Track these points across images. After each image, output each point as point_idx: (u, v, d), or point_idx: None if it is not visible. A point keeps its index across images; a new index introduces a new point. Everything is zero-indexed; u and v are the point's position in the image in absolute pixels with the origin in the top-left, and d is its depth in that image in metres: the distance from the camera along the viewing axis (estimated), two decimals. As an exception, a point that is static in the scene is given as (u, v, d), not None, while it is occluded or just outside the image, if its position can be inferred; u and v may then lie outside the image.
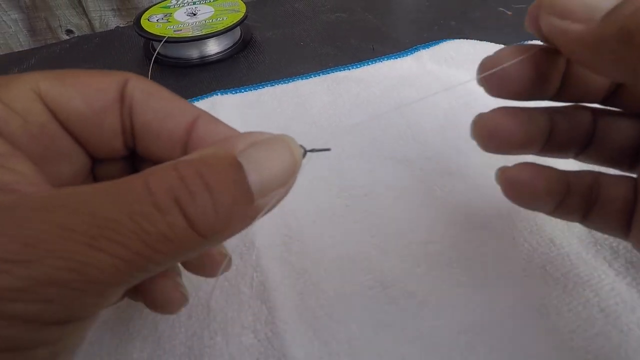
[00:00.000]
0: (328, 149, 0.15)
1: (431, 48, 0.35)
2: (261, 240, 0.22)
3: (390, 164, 0.26)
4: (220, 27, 0.37)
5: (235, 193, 0.10)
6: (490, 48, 0.34)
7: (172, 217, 0.09)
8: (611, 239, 0.21)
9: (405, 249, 0.21)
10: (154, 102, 0.14)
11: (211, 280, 0.21)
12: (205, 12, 0.40)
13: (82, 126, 0.13)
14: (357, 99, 0.31)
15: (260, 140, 0.12)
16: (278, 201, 0.12)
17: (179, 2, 0.41)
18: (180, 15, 0.39)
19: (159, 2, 0.42)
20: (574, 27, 0.11)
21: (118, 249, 0.09)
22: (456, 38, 0.36)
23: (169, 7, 0.41)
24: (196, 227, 0.10)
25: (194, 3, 0.41)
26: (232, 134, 0.14)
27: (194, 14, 0.39)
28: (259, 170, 0.11)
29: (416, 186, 0.25)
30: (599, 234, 0.22)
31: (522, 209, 0.23)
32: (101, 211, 0.09)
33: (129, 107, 0.14)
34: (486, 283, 0.20)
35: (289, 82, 0.33)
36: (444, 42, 0.35)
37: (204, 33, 0.36)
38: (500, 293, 0.20)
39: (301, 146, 0.13)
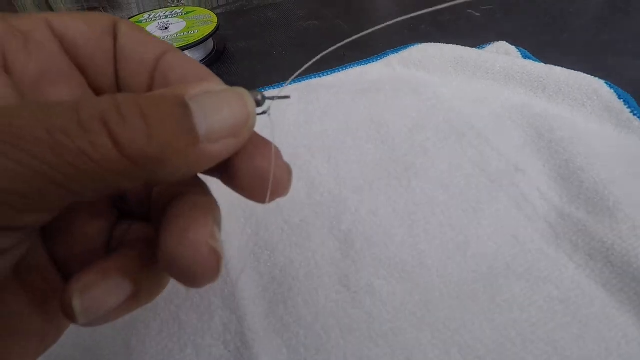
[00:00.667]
0: (288, 97, 0.14)
1: (400, 53, 0.36)
2: (231, 251, 0.22)
3: (358, 168, 0.26)
4: (192, 40, 0.37)
5: (175, 127, 0.10)
6: (456, 50, 0.35)
7: (95, 136, 0.09)
8: (571, 233, 0.22)
9: (370, 252, 0.22)
10: (133, 33, 0.14)
11: (182, 293, 0.21)
12: (177, 25, 0.40)
13: (84, 48, 0.14)
14: (327, 105, 0.32)
15: (214, 90, 0.11)
16: (229, 152, 0.12)
17: (151, 17, 0.41)
18: (152, 29, 0.39)
19: (133, 17, 0.42)
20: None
21: (25, 157, 0.09)
22: (426, 42, 0.37)
23: (140, 22, 0.41)
24: (124, 149, 0.10)
25: (166, 17, 0.41)
26: (200, 72, 0.14)
27: (166, 28, 0.40)
28: (207, 114, 0.11)
29: (383, 189, 0.25)
30: (560, 229, 0.23)
31: (485, 207, 0.24)
32: (18, 121, 0.09)
33: (116, 35, 0.14)
34: (451, 280, 0.21)
35: (261, 91, 0.33)
36: (412, 47, 0.36)
37: (176, 46, 0.36)
38: (465, 290, 0.20)
39: (260, 93, 0.13)
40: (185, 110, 0.10)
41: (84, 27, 0.14)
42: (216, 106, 0.11)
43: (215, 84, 0.12)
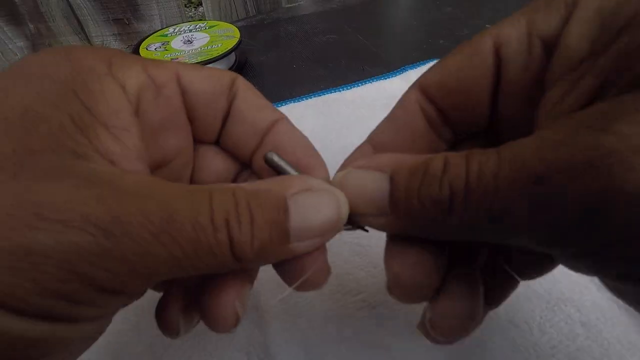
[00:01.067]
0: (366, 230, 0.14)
1: (419, 68, 0.36)
2: (254, 263, 0.23)
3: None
4: (215, 54, 0.38)
5: (272, 232, 0.12)
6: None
7: (221, 235, 0.11)
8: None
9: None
10: (252, 96, 0.16)
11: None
12: (201, 39, 0.41)
13: (202, 104, 0.15)
14: (347, 119, 0.32)
15: (314, 188, 0.13)
16: (313, 249, 0.13)
17: (175, 31, 0.43)
18: (177, 43, 0.41)
19: (158, 31, 0.44)
20: (375, 219, 0.13)
21: (176, 248, 0.11)
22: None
23: (166, 35, 0.42)
24: (235, 250, 0.11)
25: (190, 31, 0.43)
26: (306, 148, 0.16)
27: (190, 42, 0.41)
28: (302, 216, 0.12)
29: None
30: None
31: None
32: (176, 215, 0.11)
33: (234, 93, 0.16)
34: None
35: (281, 105, 0.34)
36: (431, 62, 0.37)
37: (199, 60, 0.38)
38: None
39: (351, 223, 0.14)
40: (282, 213, 0.12)
41: (207, 86, 0.15)
42: (312, 208, 0.12)
43: (317, 178, 0.14)
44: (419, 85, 0.16)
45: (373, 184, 0.13)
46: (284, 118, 0.16)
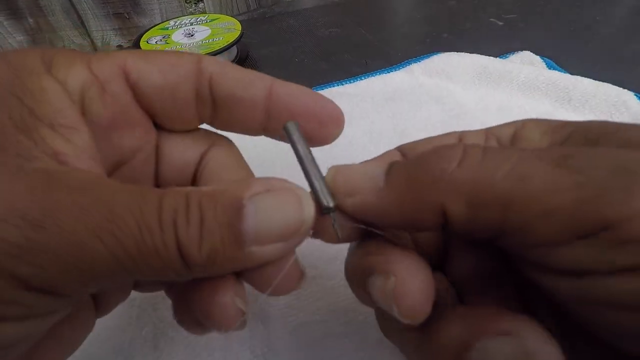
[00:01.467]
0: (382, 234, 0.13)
1: (422, 62, 0.36)
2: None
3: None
4: (216, 47, 0.38)
5: (224, 234, 0.11)
6: (479, 60, 0.35)
7: (167, 237, 0.10)
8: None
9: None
10: (233, 73, 0.15)
11: (209, 298, 0.21)
12: (202, 32, 0.41)
13: (157, 98, 0.14)
14: (350, 113, 0.32)
15: (275, 188, 0.12)
16: (277, 256, 0.12)
17: (177, 24, 0.43)
18: (178, 36, 0.40)
19: (158, 24, 0.43)
20: (361, 198, 0.12)
21: (116, 246, 0.10)
22: (448, 50, 0.37)
23: (167, 28, 0.42)
24: (183, 254, 0.11)
25: (191, 24, 0.42)
26: (305, 100, 0.15)
27: (192, 35, 0.41)
28: (260, 218, 0.11)
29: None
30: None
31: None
32: (118, 210, 0.10)
33: (207, 79, 0.14)
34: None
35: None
36: (435, 56, 0.36)
37: (201, 53, 0.37)
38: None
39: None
40: (236, 214, 0.11)
41: (159, 78, 0.14)
42: (270, 210, 0.11)
43: (281, 179, 0.13)
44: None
45: (368, 166, 0.13)
46: (275, 80, 0.15)
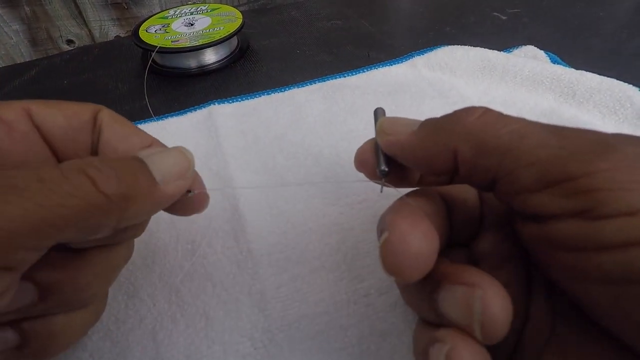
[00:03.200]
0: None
1: (425, 55, 0.36)
2: (259, 249, 0.22)
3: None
4: (217, 37, 0.37)
5: (137, 173, 0.14)
6: (483, 53, 0.35)
7: (77, 180, 0.12)
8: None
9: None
10: (118, 126, 0.17)
11: (209, 289, 0.21)
12: (202, 22, 0.40)
13: (61, 140, 0.16)
14: (352, 106, 0.32)
15: (160, 149, 0.16)
16: (181, 190, 0.16)
17: (176, 13, 0.42)
18: (177, 25, 0.40)
19: (158, 13, 0.42)
20: (396, 137, 0.16)
21: (24, 202, 0.11)
22: (451, 44, 0.37)
23: (166, 17, 0.41)
24: (100, 187, 0.12)
25: (192, 14, 0.42)
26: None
27: (192, 24, 0.40)
28: (158, 165, 0.15)
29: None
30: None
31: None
32: (14, 177, 0.11)
33: (98, 128, 0.17)
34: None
35: (285, 90, 0.34)
36: (438, 49, 0.36)
37: (200, 43, 0.37)
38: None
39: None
40: (142, 163, 0.14)
41: (61, 121, 0.16)
42: (164, 159, 0.15)
43: (160, 146, 0.17)
44: None
45: (410, 119, 0.16)
46: (154, 141, 0.17)
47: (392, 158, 0.16)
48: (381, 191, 0.17)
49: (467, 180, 0.14)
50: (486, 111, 0.14)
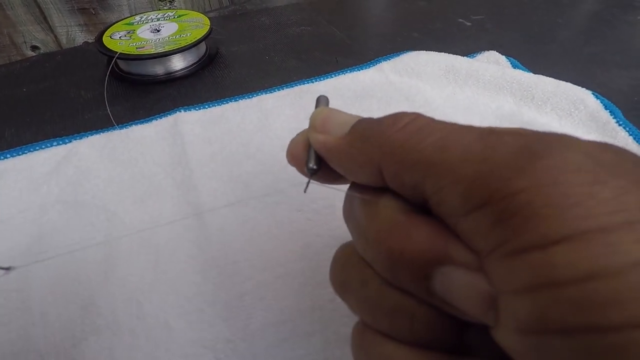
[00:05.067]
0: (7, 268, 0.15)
1: (392, 60, 0.36)
2: (223, 257, 0.22)
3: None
4: (183, 43, 0.37)
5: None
6: (447, 58, 0.35)
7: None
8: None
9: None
10: None
11: (171, 300, 0.21)
12: (169, 28, 0.40)
13: None
14: (320, 111, 0.32)
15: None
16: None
17: (142, 19, 0.41)
18: (143, 32, 0.39)
19: (123, 19, 0.42)
20: (324, 137, 0.14)
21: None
22: (418, 49, 0.38)
23: (132, 23, 0.40)
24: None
25: (158, 20, 0.41)
26: None
27: (158, 31, 0.39)
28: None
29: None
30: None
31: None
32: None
33: None
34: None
35: (253, 96, 0.33)
36: (404, 54, 0.37)
37: (166, 49, 0.36)
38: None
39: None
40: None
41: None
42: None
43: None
44: None
45: (342, 116, 0.15)
46: None
47: None
48: (305, 191, 0.15)
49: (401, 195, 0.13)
50: (414, 119, 0.12)
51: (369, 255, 0.12)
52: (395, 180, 0.12)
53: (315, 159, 0.15)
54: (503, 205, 0.09)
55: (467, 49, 0.39)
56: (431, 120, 0.12)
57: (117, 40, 0.38)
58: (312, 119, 0.15)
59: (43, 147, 0.29)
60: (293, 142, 0.16)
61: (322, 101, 0.17)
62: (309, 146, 0.15)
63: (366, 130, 0.13)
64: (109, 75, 0.38)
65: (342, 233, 0.23)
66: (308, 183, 0.15)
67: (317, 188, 0.26)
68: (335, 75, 0.35)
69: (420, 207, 0.12)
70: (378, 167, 0.12)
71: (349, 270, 0.13)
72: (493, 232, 0.09)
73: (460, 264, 0.10)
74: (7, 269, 0.15)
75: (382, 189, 0.13)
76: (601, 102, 0.30)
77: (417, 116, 0.12)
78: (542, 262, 0.08)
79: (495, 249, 0.09)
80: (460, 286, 0.10)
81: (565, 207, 0.08)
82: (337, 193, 0.25)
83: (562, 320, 0.08)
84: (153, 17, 0.41)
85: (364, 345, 0.13)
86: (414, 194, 0.12)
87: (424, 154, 0.11)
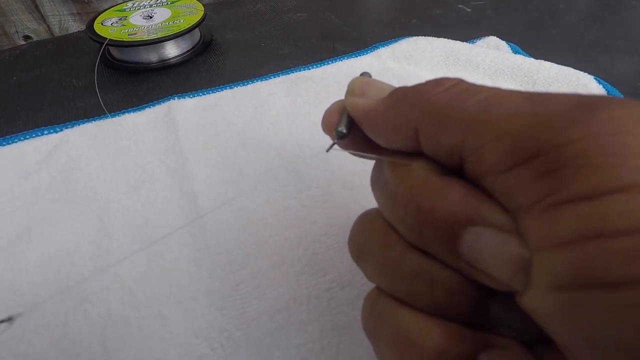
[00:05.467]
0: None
1: (390, 46, 0.36)
2: (218, 246, 0.22)
3: (347, 162, 0.26)
4: (177, 30, 0.36)
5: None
6: (446, 44, 0.35)
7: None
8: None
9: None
10: None
11: (165, 290, 0.20)
12: (162, 14, 0.39)
13: None
14: (316, 98, 0.31)
15: None
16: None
17: (135, 5, 0.40)
18: (135, 18, 0.38)
19: (114, 5, 0.41)
20: (363, 101, 0.14)
21: None
22: (416, 35, 0.37)
23: (124, 10, 0.39)
24: None
25: (151, 6, 0.40)
26: None
27: (151, 17, 0.38)
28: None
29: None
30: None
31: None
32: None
33: None
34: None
35: (248, 84, 0.33)
36: (402, 40, 0.36)
37: (159, 36, 0.35)
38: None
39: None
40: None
41: None
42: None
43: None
44: None
45: (385, 84, 0.15)
46: None
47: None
48: (327, 151, 0.16)
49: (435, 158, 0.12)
50: (458, 82, 0.12)
51: (396, 216, 0.12)
52: (432, 143, 0.11)
53: (347, 123, 0.15)
54: (553, 155, 0.09)
55: (468, 35, 0.38)
56: (475, 84, 0.12)
57: (108, 27, 0.37)
58: (351, 85, 0.15)
59: (34, 135, 0.28)
60: (328, 109, 0.16)
61: (365, 75, 0.17)
62: (342, 111, 0.15)
63: (407, 92, 0.13)
64: (99, 63, 0.37)
65: (339, 220, 0.23)
66: (332, 145, 0.15)
67: (319, 173, 0.25)
68: (332, 62, 0.35)
69: (454, 172, 0.11)
70: (415, 129, 0.12)
71: (370, 234, 0.13)
72: (537, 185, 0.09)
73: (493, 225, 0.10)
74: (9, 319, 0.14)
75: (414, 155, 0.12)
76: (603, 87, 0.29)
77: (460, 80, 0.12)
78: (592, 212, 0.08)
79: (538, 201, 0.09)
80: (490, 247, 0.10)
81: (627, 156, 0.08)
82: (333, 179, 0.25)
83: (607, 273, 0.08)
84: (145, 3, 0.41)
85: (376, 313, 0.12)
86: (450, 157, 0.11)
87: (467, 112, 0.11)
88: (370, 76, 0.16)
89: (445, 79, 0.12)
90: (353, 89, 0.15)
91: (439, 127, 0.11)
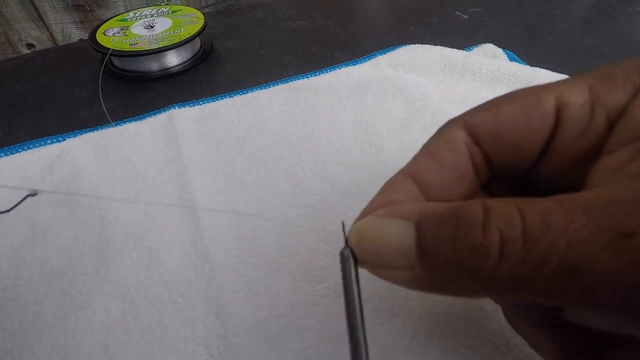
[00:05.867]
0: None
1: (388, 54, 0.36)
2: (215, 253, 0.22)
3: (345, 170, 0.26)
4: (178, 39, 0.37)
5: None
6: (443, 52, 0.35)
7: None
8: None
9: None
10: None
11: (165, 297, 0.21)
12: (163, 24, 0.39)
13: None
14: (314, 107, 0.31)
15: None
16: None
17: (136, 15, 0.41)
18: (137, 28, 0.39)
19: (116, 15, 0.41)
20: (388, 273, 0.12)
21: None
22: (414, 43, 0.37)
23: (125, 20, 0.40)
24: None
25: (152, 16, 0.41)
26: None
27: (152, 27, 0.39)
28: None
29: (370, 191, 0.25)
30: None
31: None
32: None
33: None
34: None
35: (247, 92, 0.33)
36: (400, 48, 0.36)
37: (160, 46, 0.36)
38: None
39: None
40: None
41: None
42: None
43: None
44: (466, 126, 0.14)
45: (396, 233, 0.12)
46: None
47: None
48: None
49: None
50: (504, 241, 0.10)
51: None
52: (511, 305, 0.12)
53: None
54: None
55: (465, 42, 0.38)
56: (524, 233, 0.10)
57: (110, 37, 0.37)
58: (361, 254, 0.13)
59: (37, 145, 0.29)
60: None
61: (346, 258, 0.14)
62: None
63: (451, 261, 0.11)
64: (103, 73, 0.38)
65: (336, 228, 0.23)
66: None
67: (317, 181, 0.25)
68: (330, 70, 0.35)
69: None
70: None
71: None
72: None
73: None
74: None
75: None
76: (598, 95, 0.30)
77: (500, 231, 0.10)
78: None
79: None
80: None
81: None
82: (330, 187, 0.25)
83: None
84: (147, 12, 0.41)
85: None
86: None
87: (549, 285, 0.10)
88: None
89: (479, 237, 0.10)
90: (367, 260, 0.13)
91: (519, 300, 0.11)
